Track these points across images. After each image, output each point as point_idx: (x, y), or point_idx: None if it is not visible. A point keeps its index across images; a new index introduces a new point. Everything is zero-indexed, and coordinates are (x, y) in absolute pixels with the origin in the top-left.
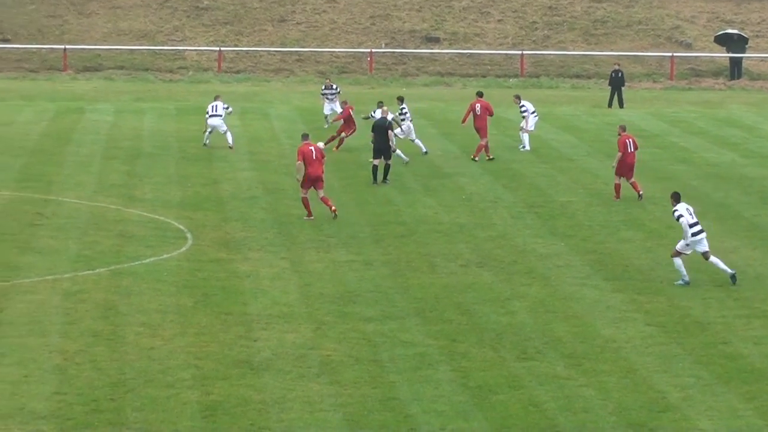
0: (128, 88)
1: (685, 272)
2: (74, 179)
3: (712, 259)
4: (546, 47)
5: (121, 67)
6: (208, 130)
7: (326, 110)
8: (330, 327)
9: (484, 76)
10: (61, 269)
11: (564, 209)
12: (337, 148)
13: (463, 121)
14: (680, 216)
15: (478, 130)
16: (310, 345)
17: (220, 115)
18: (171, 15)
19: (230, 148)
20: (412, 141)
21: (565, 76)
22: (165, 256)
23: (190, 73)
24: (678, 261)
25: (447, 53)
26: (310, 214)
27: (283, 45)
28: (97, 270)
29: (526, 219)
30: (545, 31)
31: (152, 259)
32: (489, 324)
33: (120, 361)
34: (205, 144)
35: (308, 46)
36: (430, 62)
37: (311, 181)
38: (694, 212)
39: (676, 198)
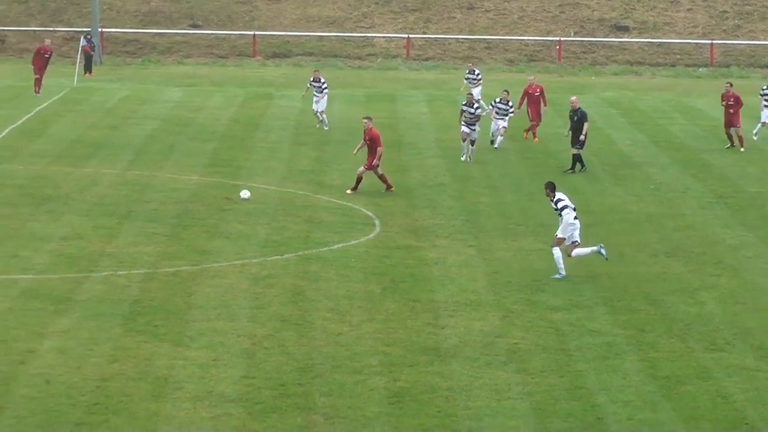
0: None
1: (563, 266)
2: (263, 165)
3: (576, 251)
4: (736, 37)
5: (310, 54)
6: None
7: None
8: (517, 315)
9: (673, 66)
10: (249, 254)
11: (754, 200)
12: (533, 133)
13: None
14: (565, 207)
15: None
16: (498, 333)
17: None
18: (359, 2)
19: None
20: None
21: (755, 66)
22: (353, 242)
23: (379, 60)
24: (557, 253)
25: (636, 42)
26: (356, 188)
27: (471, 33)
28: (286, 255)
29: (715, 209)
30: (736, 21)
31: (340, 245)
32: (677, 314)
33: (308, 347)
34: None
35: (497, 34)
36: (620, 51)
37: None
38: (570, 199)
39: (552, 188)
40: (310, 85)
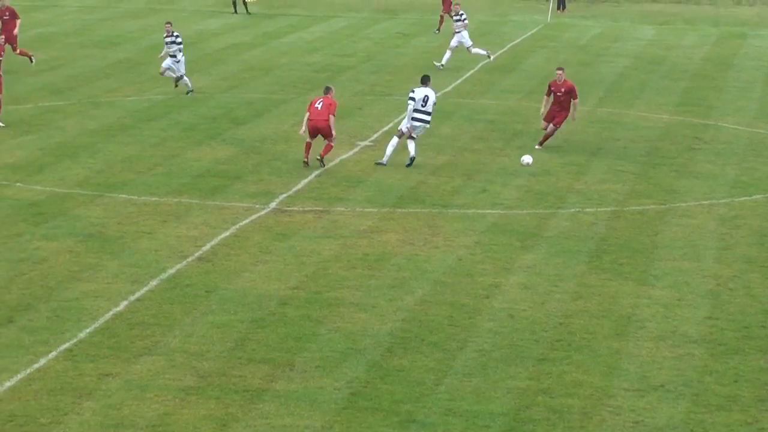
0: None
1: (389, 155)
2: (734, 105)
3: (409, 143)
4: None
5: None
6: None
7: None
8: None
9: None
10: (718, 194)
11: None
12: None
13: None
14: (411, 99)
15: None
16: None
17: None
18: None
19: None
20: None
21: None
22: None
23: None
24: (395, 141)
25: None
26: None
27: None
28: (754, 196)
29: None
30: None
31: None
32: None
33: None
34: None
35: None
36: None
37: None
38: (432, 104)
39: (425, 81)
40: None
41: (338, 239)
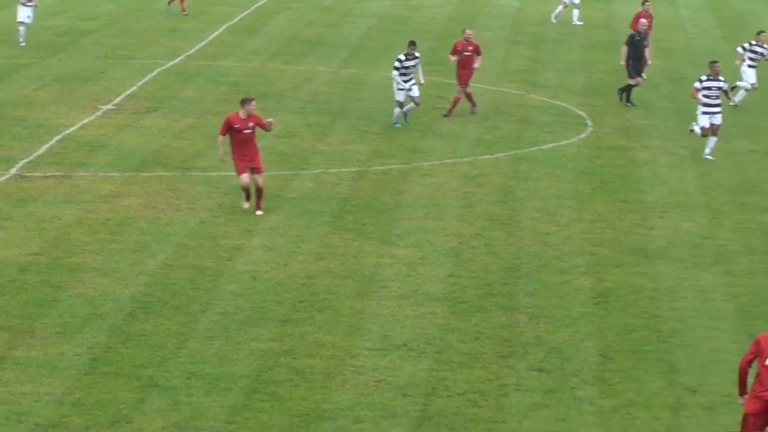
0: None
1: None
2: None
3: None
4: None
5: None
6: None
7: None
8: (726, 216)
9: None
10: (460, 153)
11: None
12: None
13: None
14: None
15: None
16: (706, 234)
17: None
18: None
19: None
20: None
21: None
22: (564, 142)
23: None
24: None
25: None
26: None
27: None
28: (497, 154)
29: None
30: None
31: (551, 144)
32: None
33: (515, 246)
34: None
35: None
36: None
37: None
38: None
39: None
40: None
41: (80, 204)
